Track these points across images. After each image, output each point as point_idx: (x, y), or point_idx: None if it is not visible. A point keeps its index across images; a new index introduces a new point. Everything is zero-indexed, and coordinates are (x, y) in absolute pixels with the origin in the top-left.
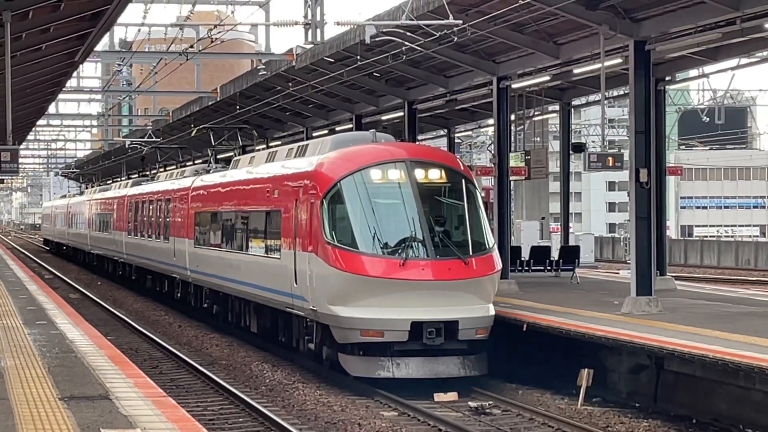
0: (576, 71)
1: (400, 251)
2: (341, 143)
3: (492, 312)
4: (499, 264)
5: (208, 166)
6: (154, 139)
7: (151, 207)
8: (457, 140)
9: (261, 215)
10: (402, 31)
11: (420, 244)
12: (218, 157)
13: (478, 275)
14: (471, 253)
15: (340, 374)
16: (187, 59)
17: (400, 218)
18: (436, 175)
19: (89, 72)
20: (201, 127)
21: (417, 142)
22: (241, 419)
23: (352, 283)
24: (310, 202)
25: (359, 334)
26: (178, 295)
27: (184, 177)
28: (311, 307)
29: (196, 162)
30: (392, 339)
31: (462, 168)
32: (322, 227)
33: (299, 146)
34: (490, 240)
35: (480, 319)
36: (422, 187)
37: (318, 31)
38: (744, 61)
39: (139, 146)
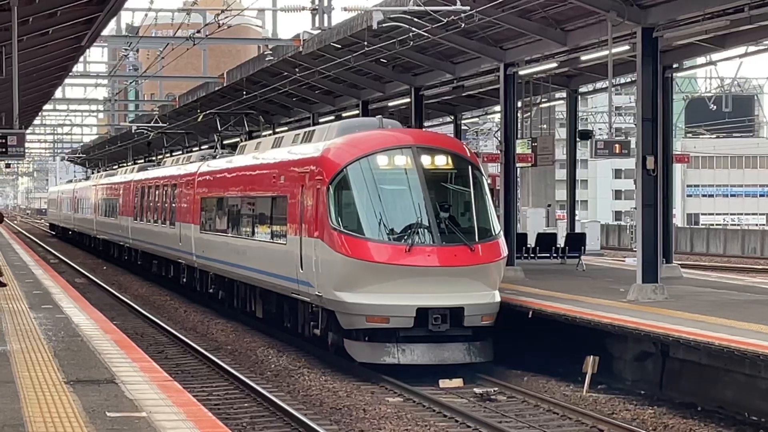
0: (583, 58)
1: (406, 237)
2: (348, 129)
3: (498, 299)
4: (505, 251)
5: (215, 151)
6: (161, 124)
7: (157, 192)
8: (463, 127)
9: (267, 201)
10: (409, 17)
11: (426, 230)
12: (224, 142)
13: (484, 262)
14: (477, 240)
15: (346, 360)
16: (194, 44)
17: (406, 204)
18: (442, 161)
19: (96, 57)
20: (207, 112)
21: (423, 129)
22: (246, 404)
23: (357, 269)
24: (316, 187)
25: (365, 320)
26: (184, 280)
27: (191, 162)
28: (317, 293)
29: (202, 147)
30: (398, 325)
31: (468, 154)
32: (328, 213)
33: (306, 132)
34: (496, 226)
35: (486, 306)
36: (428, 173)
37: (325, 16)
38: (752, 48)
39: (145, 131)
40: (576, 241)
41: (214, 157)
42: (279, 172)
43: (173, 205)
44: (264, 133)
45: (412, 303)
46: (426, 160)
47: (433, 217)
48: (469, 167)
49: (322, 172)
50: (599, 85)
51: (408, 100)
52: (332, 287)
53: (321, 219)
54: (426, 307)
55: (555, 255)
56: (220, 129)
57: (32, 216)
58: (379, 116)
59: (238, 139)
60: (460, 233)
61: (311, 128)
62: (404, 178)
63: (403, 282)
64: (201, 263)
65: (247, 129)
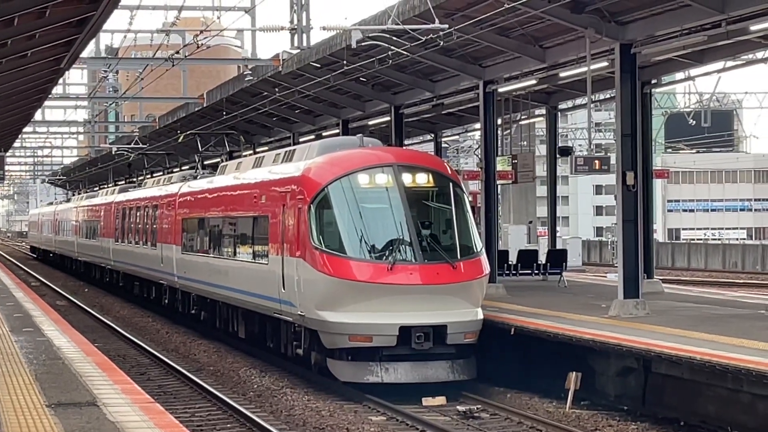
0: (562, 75)
1: (387, 256)
2: (328, 148)
3: (480, 316)
4: (487, 268)
5: (195, 171)
6: (141, 145)
7: (138, 213)
8: (444, 145)
9: (248, 221)
10: (388, 35)
11: (408, 248)
12: (205, 163)
13: (466, 279)
14: (459, 257)
15: (329, 379)
16: (174, 65)
17: (388, 223)
18: (423, 179)
19: (75, 79)
20: (188, 133)
21: (404, 147)
22: (229, 425)
23: (340, 288)
24: (297, 207)
25: (347, 339)
26: (166, 301)
27: (171, 183)
28: (299, 313)
29: (183, 168)
30: (381, 344)
31: (449, 172)
32: (310, 232)
33: (286, 151)
34: (478, 244)
35: (468, 324)
36: (410, 191)
37: (304, 36)
38: (730, 63)
39: (125, 153)
40: (557, 258)
41: (195, 178)
42: (260, 192)
43: (154, 226)
44: (244, 153)
45: (395, 321)
46: (407, 179)
47: (414, 235)
48: (450, 185)
49: (303, 191)
50: (579, 101)
51: (388, 118)
52: (314, 306)
53: (302, 238)
54: (409, 326)
55: (536, 271)
56: (200, 149)
57: (13, 239)
58: (360, 135)
59: (218, 160)
60: (442, 251)
61: (292, 148)
62: (385, 196)
63: (385, 300)
64: (183, 284)
65: (227, 149)
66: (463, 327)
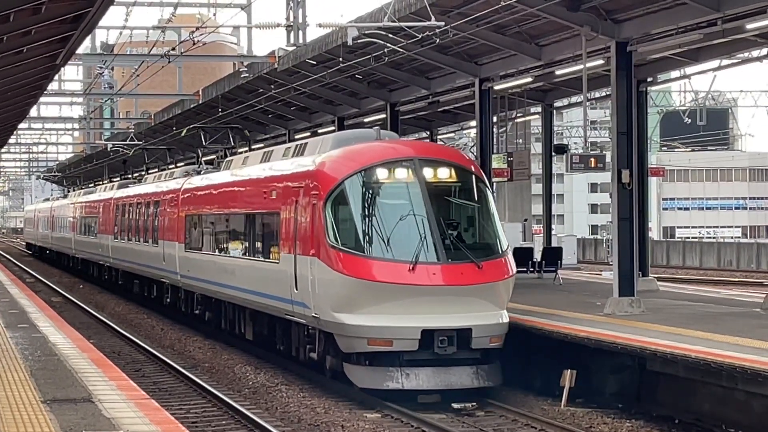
0: (558, 73)
1: (409, 255)
2: (343, 141)
3: (506, 319)
4: (513, 268)
5: (199, 167)
6: (136, 142)
7: (138, 210)
8: (439, 142)
9: (258, 217)
10: (384, 33)
11: (430, 247)
12: (204, 159)
13: (492, 280)
14: (484, 257)
15: (345, 385)
16: (169, 62)
17: (409, 220)
18: (445, 173)
19: (71, 75)
20: (192, 126)
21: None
22: (224, 422)
23: (358, 289)
24: (311, 203)
25: (366, 343)
26: (168, 300)
27: (173, 179)
28: (313, 315)
29: (178, 165)
30: (402, 348)
31: (472, 166)
32: (325, 230)
33: (297, 145)
34: (504, 242)
35: (494, 327)
36: (431, 186)
37: (300, 33)
38: (725, 62)
39: (121, 149)
40: (552, 256)
41: (199, 173)
42: (270, 188)
43: (156, 222)
44: (240, 150)
45: (417, 324)
46: (428, 173)
47: (437, 233)
48: (474, 179)
49: (318, 186)
50: (574, 99)
51: (384, 115)
52: (330, 308)
53: (317, 236)
54: (431, 329)
55: (532, 269)
56: (204, 144)
57: (8, 235)
58: (377, 127)
59: (213, 156)
60: (467, 250)
61: (303, 141)
62: (406, 192)
63: (406, 302)
64: (186, 283)
65: (232, 143)
66: (488, 330)
